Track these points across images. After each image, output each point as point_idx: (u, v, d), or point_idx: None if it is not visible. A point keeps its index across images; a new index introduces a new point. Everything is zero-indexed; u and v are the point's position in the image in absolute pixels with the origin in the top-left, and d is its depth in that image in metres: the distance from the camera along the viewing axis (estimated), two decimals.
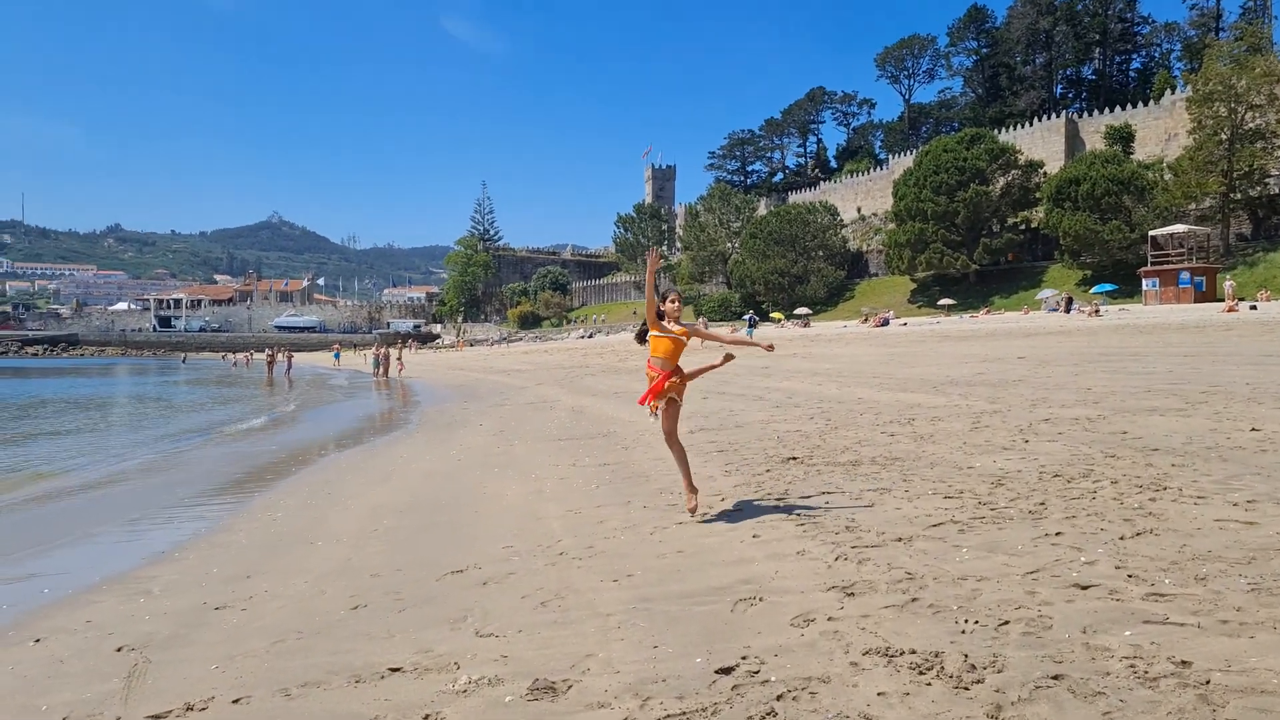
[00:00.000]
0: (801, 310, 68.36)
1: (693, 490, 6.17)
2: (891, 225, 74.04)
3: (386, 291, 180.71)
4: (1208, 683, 2.92)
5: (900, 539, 5.02)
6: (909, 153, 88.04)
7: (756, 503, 6.38)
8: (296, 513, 7.90)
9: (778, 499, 6.44)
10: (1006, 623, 3.63)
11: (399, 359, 46.33)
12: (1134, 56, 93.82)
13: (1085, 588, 3.97)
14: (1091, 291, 53.10)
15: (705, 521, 5.94)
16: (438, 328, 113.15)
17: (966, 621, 3.65)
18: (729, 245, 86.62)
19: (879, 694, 3.02)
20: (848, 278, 78.80)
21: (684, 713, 2.97)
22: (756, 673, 3.27)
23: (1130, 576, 4.07)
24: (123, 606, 4.93)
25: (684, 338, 6.06)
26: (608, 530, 5.97)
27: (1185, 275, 48.44)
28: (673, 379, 6.02)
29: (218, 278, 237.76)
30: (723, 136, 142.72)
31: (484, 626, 4.08)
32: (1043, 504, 5.59)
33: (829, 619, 3.80)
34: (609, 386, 21.49)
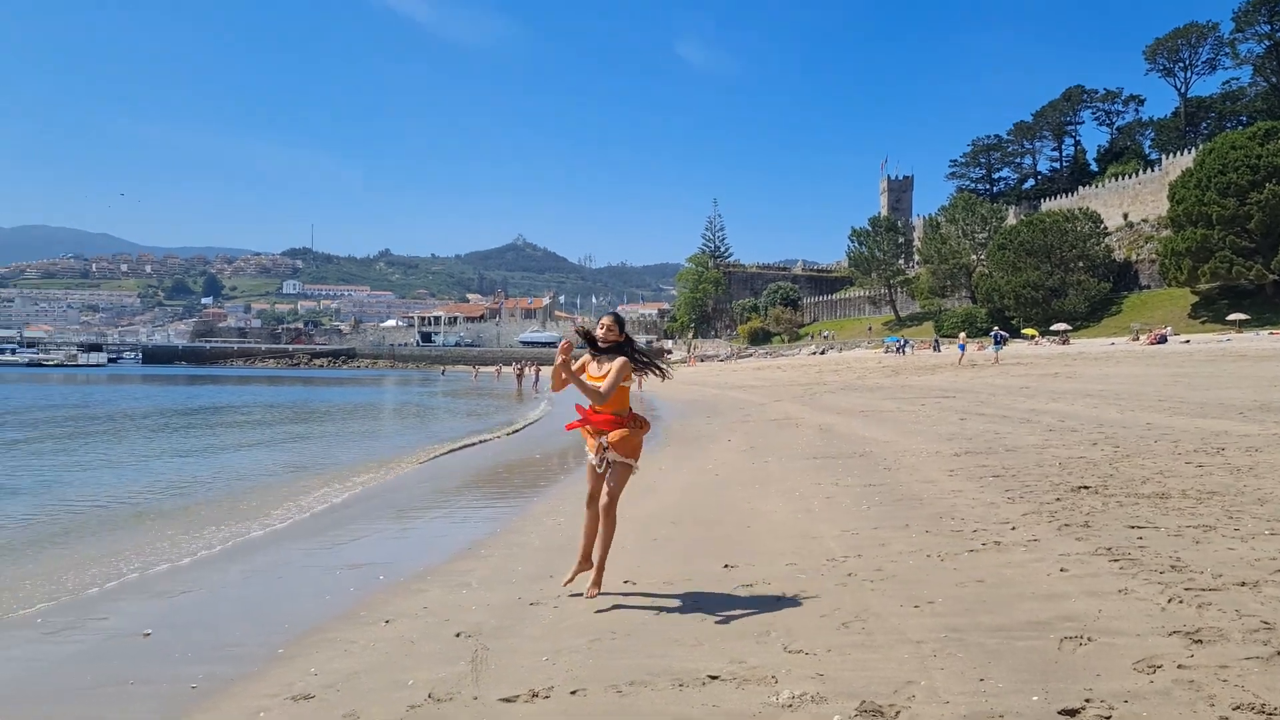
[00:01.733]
0: (1059, 326, 63.16)
1: (592, 573, 5.12)
2: (1167, 232, 66.68)
3: (620, 308, 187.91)
4: None
5: (1243, 583, 4.49)
6: (1187, 151, 78.98)
7: (1054, 534, 5.96)
8: (574, 518, 8.37)
9: (1078, 531, 5.98)
10: None
11: None
12: None
13: None
14: None
15: (998, 551, 5.63)
16: (669, 344, 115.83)
17: None
18: (974, 257, 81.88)
19: None
20: (1113, 290, 71.78)
21: None
22: (1107, 718, 3.05)
23: None
24: (450, 596, 5.46)
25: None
26: (892, 554, 5.82)
27: None
28: (617, 429, 5.00)
29: (469, 297, 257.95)
30: (966, 143, 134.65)
31: (790, 643, 4.11)
32: None
33: (1179, 666, 3.47)
34: (852, 404, 20.99)
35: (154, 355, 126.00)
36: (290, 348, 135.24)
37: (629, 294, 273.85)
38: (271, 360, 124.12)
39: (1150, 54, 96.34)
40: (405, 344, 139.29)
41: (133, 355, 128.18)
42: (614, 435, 5.00)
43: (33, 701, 3.93)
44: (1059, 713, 3.13)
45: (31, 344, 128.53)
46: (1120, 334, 58.84)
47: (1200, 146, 69.44)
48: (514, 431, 20.87)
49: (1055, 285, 70.48)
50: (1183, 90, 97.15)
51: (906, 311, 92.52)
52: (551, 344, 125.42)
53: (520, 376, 54.89)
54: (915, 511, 7.28)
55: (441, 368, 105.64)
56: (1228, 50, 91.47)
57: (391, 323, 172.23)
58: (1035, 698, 3.27)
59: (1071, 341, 56.51)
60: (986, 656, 3.76)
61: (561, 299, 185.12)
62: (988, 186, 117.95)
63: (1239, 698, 3.14)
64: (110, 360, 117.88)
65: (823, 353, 73.75)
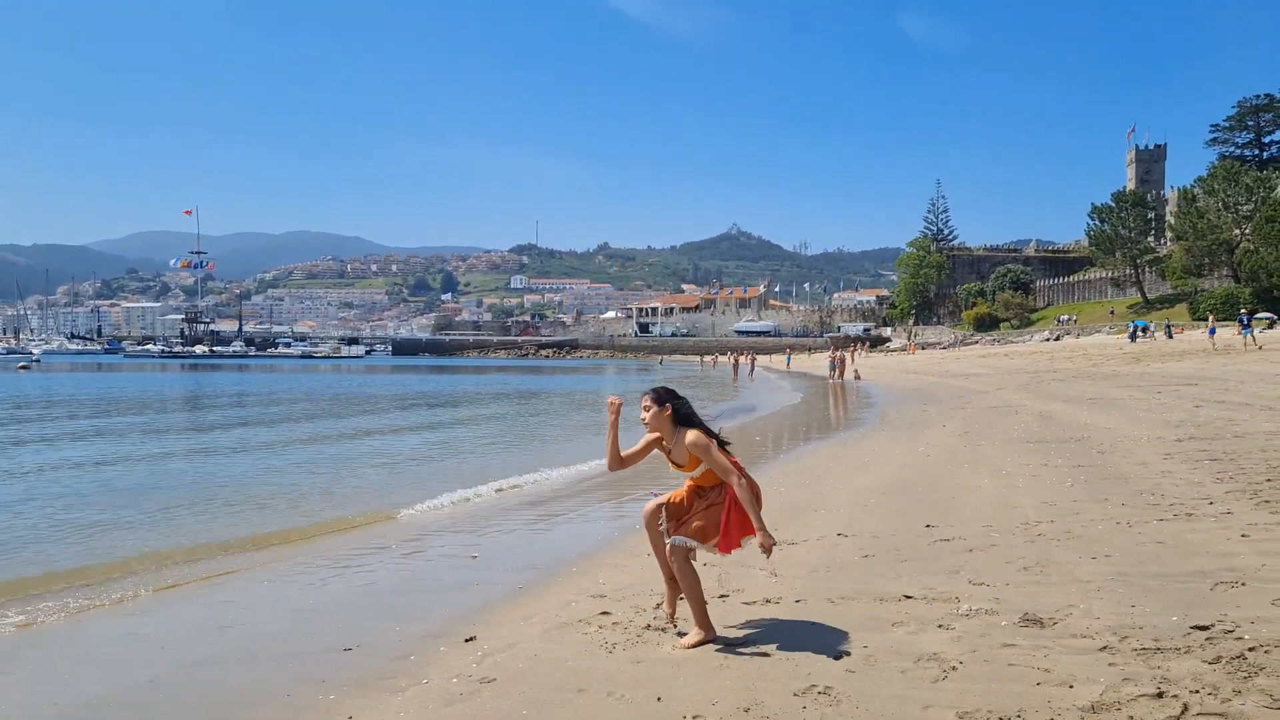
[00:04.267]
0: None
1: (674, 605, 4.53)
2: None
3: (836, 295, 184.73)
4: None
5: None
6: None
7: (1251, 509, 6.35)
8: (795, 489, 9.49)
9: (1278, 506, 6.33)
10: None
11: (852, 363, 47.86)
12: None
13: None
14: None
15: (1188, 520, 6.14)
16: (887, 331, 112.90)
17: None
18: (1236, 232, 73.51)
19: None
20: None
21: (1159, 649, 3.66)
22: (1231, 632, 3.79)
23: None
24: None
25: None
26: (1084, 521, 6.47)
27: None
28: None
29: (685, 287, 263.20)
30: (1229, 105, 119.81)
31: (975, 578, 5.04)
32: None
33: None
34: (1080, 392, 20.44)
35: (401, 347, 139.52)
36: (519, 339, 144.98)
37: (845, 280, 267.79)
38: (503, 351, 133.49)
39: None
40: (624, 334, 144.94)
41: (383, 348, 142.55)
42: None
43: (420, 591, 5.64)
44: (1191, 627, 3.90)
45: (301, 338, 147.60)
46: None
47: None
48: (734, 421, 22.18)
49: None
50: None
51: (1155, 293, 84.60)
52: (766, 332, 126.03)
53: (735, 366, 56.38)
54: (1118, 488, 7.76)
55: (659, 357, 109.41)
56: None
57: (610, 314, 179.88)
58: (1175, 618, 4.05)
59: None
60: (1144, 591, 4.52)
61: (776, 287, 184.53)
62: (1257, 153, 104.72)
63: None
64: (366, 352, 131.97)
65: (1057, 339, 69.30)
